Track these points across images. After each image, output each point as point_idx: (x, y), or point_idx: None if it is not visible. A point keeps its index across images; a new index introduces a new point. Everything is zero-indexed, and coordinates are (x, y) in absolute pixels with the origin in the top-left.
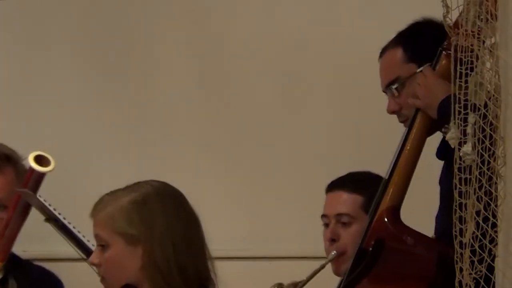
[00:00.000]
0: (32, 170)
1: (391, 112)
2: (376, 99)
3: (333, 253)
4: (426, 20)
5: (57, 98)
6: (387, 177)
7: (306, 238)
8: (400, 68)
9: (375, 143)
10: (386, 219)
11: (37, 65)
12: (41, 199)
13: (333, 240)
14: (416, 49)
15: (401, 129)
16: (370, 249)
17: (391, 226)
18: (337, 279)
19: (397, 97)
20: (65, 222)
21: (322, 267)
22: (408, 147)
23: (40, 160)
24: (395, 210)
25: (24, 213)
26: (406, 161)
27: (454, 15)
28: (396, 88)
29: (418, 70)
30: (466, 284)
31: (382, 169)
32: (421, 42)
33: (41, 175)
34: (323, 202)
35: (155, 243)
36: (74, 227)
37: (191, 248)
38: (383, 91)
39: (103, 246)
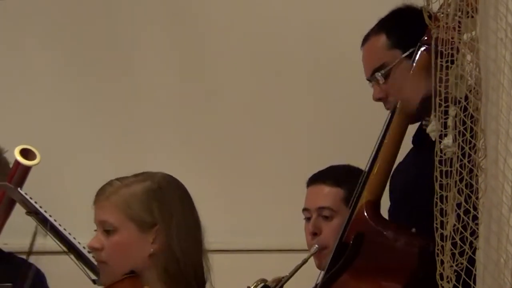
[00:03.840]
0: (17, 163)
1: (377, 99)
2: (355, 93)
3: (315, 247)
4: (408, 6)
5: (39, 93)
6: (366, 170)
7: (288, 231)
8: (384, 54)
9: (355, 136)
10: (365, 213)
11: (19, 61)
12: (22, 192)
13: (314, 234)
14: (400, 34)
15: (381, 122)
16: (351, 242)
17: (371, 220)
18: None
19: (383, 84)
20: (47, 215)
21: (305, 261)
22: (387, 141)
23: (25, 153)
24: (375, 204)
25: (8, 207)
26: (385, 154)
27: (434, 8)
28: (382, 75)
29: (403, 55)
30: (447, 277)
31: (363, 162)
32: (404, 27)
33: (27, 169)
34: (303, 195)
35: (172, 231)
36: (55, 220)
37: (199, 239)
38: (367, 79)
39: (107, 231)
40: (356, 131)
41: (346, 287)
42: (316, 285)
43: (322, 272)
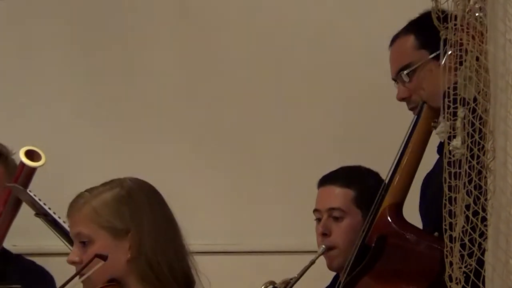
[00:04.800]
0: (23, 165)
1: (401, 99)
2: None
3: (322, 248)
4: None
5: (45, 94)
6: (390, 174)
7: (292, 232)
8: (411, 54)
9: (362, 137)
10: (388, 216)
11: (27, 62)
12: (31, 194)
13: (324, 234)
14: (428, 36)
15: (400, 125)
16: (373, 245)
17: (394, 223)
18: (329, 274)
19: (408, 83)
20: (55, 216)
21: (312, 262)
22: (411, 144)
23: (31, 155)
24: (398, 207)
25: (14, 208)
26: (410, 158)
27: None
28: (407, 74)
29: (430, 56)
30: (456, 278)
31: (366, 162)
32: (433, 29)
33: (32, 170)
34: (309, 196)
35: (144, 235)
36: (64, 222)
37: (174, 242)
38: (393, 79)
39: (83, 243)
40: (364, 132)
41: None
42: (333, 286)
43: (332, 273)
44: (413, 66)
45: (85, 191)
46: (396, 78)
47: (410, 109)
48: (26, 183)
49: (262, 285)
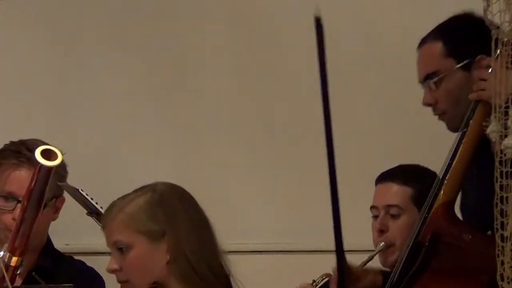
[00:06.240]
0: (40, 165)
1: (427, 104)
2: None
3: (381, 244)
4: (467, 14)
5: (100, 93)
6: (443, 171)
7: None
8: (439, 62)
9: (415, 137)
10: (442, 214)
11: (83, 61)
12: (83, 193)
13: (381, 231)
14: (457, 44)
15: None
16: (427, 244)
17: (448, 222)
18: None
19: (434, 91)
20: None
21: (370, 258)
22: (465, 141)
23: (47, 154)
24: (451, 205)
25: (37, 207)
26: (462, 155)
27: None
28: (434, 82)
29: (458, 66)
30: (508, 277)
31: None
32: (461, 38)
33: (49, 170)
34: (361, 195)
35: (182, 236)
36: None
37: (210, 242)
38: (420, 82)
39: (121, 250)
40: (418, 129)
41: None
42: (387, 281)
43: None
44: (440, 74)
45: (117, 199)
46: (423, 83)
47: (435, 115)
48: (44, 183)
49: (318, 277)
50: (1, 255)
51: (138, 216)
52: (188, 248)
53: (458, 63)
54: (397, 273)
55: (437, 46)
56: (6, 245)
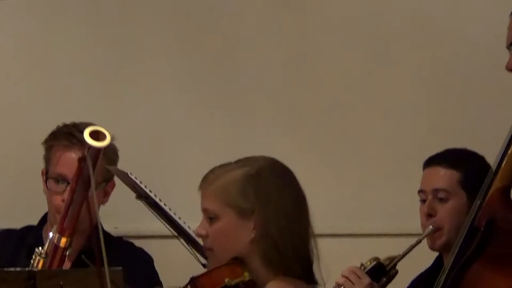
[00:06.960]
0: (88, 146)
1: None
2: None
3: (429, 228)
4: None
5: (149, 81)
6: (500, 157)
7: (406, 215)
8: None
9: (469, 122)
10: (498, 200)
11: (132, 50)
12: (132, 177)
13: (429, 215)
14: None
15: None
16: (482, 229)
17: (504, 207)
18: (432, 254)
19: None
20: (156, 199)
21: (418, 242)
22: None
23: (96, 135)
24: (506, 191)
25: (85, 188)
26: None
27: None
28: None
29: None
30: None
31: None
32: None
33: (98, 151)
34: (414, 179)
35: (269, 216)
36: (165, 204)
37: (300, 223)
38: (507, 47)
39: (211, 218)
40: (472, 116)
41: (480, 275)
42: (436, 266)
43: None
44: None
45: (218, 166)
46: (510, 47)
47: None
48: (93, 164)
49: (367, 260)
50: (51, 236)
51: (229, 190)
52: (276, 229)
53: None
54: (453, 258)
55: None
56: (55, 227)
